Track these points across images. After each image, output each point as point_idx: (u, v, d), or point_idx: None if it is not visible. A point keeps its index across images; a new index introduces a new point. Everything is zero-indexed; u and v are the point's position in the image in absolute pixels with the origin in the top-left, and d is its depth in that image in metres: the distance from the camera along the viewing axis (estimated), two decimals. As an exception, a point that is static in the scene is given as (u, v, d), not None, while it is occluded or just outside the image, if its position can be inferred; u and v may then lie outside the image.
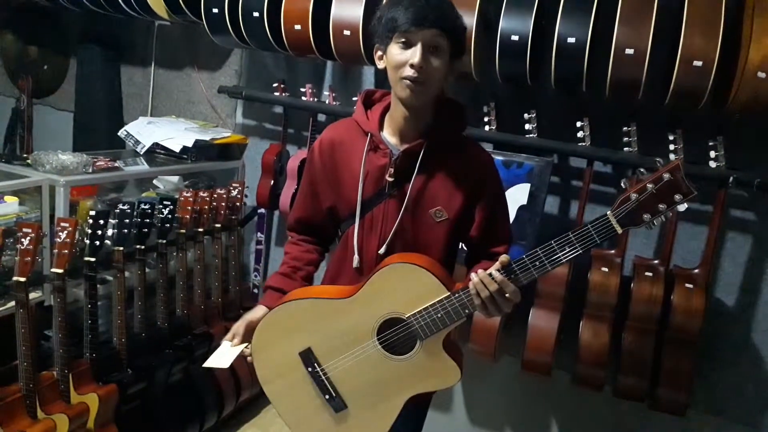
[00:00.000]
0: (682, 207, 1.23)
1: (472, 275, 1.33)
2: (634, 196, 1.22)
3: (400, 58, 1.36)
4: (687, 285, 2.19)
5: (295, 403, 1.51)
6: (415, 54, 1.34)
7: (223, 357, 1.53)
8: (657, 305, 2.19)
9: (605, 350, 2.24)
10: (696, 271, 2.24)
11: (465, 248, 1.60)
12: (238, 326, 1.56)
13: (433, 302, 1.36)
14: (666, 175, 1.21)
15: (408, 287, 1.39)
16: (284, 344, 1.49)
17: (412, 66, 1.34)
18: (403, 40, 1.35)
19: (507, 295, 1.31)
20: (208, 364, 1.53)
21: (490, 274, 1.31)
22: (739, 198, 2.28)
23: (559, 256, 1.27)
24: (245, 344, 1.54)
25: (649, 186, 1.21)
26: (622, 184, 1.28)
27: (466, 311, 1.35)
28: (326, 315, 1.46)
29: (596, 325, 2.27)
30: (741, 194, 2.26)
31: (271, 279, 1.63)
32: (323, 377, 1.46)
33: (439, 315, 1.36)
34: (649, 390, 2.25)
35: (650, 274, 2.23)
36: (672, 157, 2.19)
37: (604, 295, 2.24)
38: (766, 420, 2.38)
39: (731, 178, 2.12)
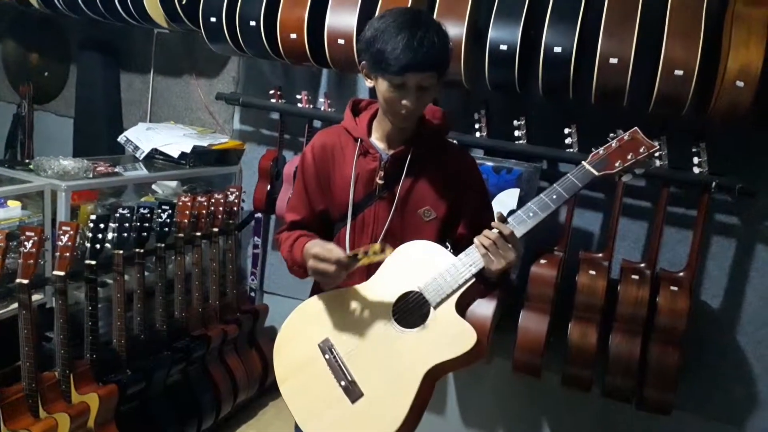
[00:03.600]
0: (651, 160, 1.42)
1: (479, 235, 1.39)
2: (602, 150, 1.42)
3: (393, 96, 1.40)
4: (672, 287, 2.25)
5: (311, 398, 1.47)
6: (407, 97, 1.39)
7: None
8: (643, 307, 2.25)
9: (593, 351, 2.30)
10: (681, 274, 2.30)
11: (451, 248, 1.66)
12: (333, 248, 1.40)
13: (441, 268, 1.42)
14: (626, 136, 1.41)
15: (417, 260, 1.45)
16: (304, 339, 1.50)
17: (406, 108, 1.40)
18: (396, 83, 1.38)
19: (508, 242, 1.36)
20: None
21: (490, 226, 1.38)
22: (722, 203, 2.34)
23: (550, 204, 1.38)
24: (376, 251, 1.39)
25: (614, 144, 1.42)
26: (593, 149, 1.44)
27: (473, 268, 1.39)
28: (343, 303, 1.49)
29: (584, 327, 2.32)
30: (724, 199, 2.32)
31: (299, 233, 1.56)
32: (340, 363, 1.45)
33: (447, 278, 1.40)
34: (636, 390, 2.31)
35: (637, 276, 2.29)
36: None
37: (592, 297, 2.30)
38: (752, 420, 2.44)
39: (713, 183, 2.18)
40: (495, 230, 1.37)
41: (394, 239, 1.53)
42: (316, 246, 1.44)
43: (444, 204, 1.54)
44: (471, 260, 1.40)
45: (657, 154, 1.38)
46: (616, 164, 1.39)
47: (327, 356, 1.46)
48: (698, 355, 2.44)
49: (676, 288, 2.24)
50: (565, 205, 1.47)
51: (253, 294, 3.22)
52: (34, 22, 3.66)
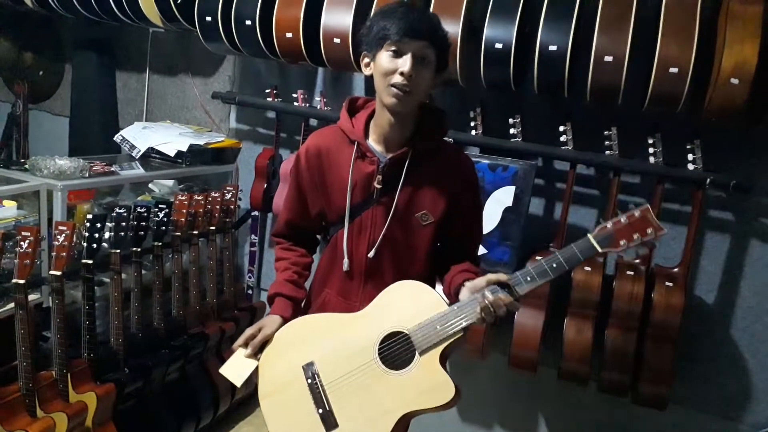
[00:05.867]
0: (656, 242, 1.39)
1: (485, 294, 1.40)
2: (610, 224, 1.39)
3: (390, 65, 1.41)
4: (667, 283, 2.26)
5: (288, 420, 1.50)
6: (405, 63, 1.39)
7: (237, 370, 1.54)
8: (638, 303, 2.26)
9: (589, 346, 2.31)
10: (676, 269, 2.31)
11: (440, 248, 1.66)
12: (256, 341, 1.54)
13: (433, 315, 1.42)
14: (637, 213, 1.39)
15: (411, 302, 1.46)
16: (289, 358, 1.52)
17: (401, 74, 1.39)
18: (394, 49, 1.40)
19: (509, 311, 1.39)
20: (223, 371, 1.56)
21: (498, 297, 1.38)
22: (717, 199, 2.35)
23: (549, 273, 1.39)
24: (257, 362, 1.54)
25: (623, 219, 1.39)
26: (601, 221, 1.43)
27: (463, 322, 1.40)
28: (332, 330, 1.51)
29: (580, 323, 2.34)
30: (719, 195, 2.34)
31: (278, 286, 1.63)
32: (320, 389, 1.47)
33: (437, 327, 1.41)
34: (631, 385, 2.32)
35: (632, 272, 2.30)
36: (651, 160, 2.27)
37: (588, 293, 2.31)
38: (746, 414, 2.46)
39: (708, 180, 2.19)
40: (500, 297, 1.37)
41: (392, 243, 1.54)
42: (256, 325, 1.57)
43: (441, 208, 1.54)
44: (464, 314, 1.41)
45: (661, 235, 1.36)
46: (621, 243, 1.38)
47: (309, 380, 1.49)
48: (693, 349, 2.46)
49: (670, 284, 2.26)
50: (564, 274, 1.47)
51: (250, 292, 3.23)
52: (28, 21, 3.65)
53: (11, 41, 3.82)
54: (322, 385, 1.48)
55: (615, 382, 2.32)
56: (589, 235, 1.39)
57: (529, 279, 1.40)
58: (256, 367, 1.55)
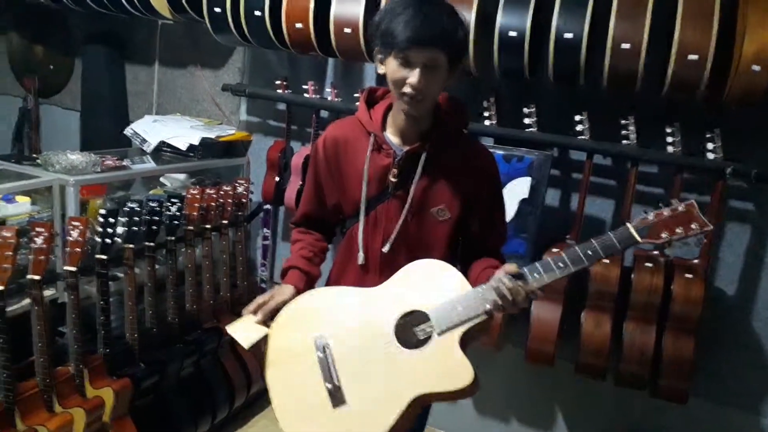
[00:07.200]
0: (702, 237, 1.33)
1: (500, 278, 1.33)
2: (651, 216, 1.33)
3: (399, 75, 1.37)
4: (687, 275, 2.22)
5: (294, 393, 1.45)
6: (413, 75, 1.35)
7: (245, 333, 1.49)
8: (657, 295, 2.22)
9: (607, 340, 2.28)
10: (695, 261, 2.27)
11: (461, 246, 1.63)
12: (268, 307, 1.50)
13: (455, 296, 1.37)
14: (681, 207, 1.32)
15: (433, 281, 1.41)
16: (301, 329, 1.48)
17: (410, 85, 1.36)
18: (402, 58, 1.35)
19: (529, 297, 1.34)
20: (230, 329, 1.52)
21: (517, 284, 1.32)
22: (737, 189, 2.30)
23: (583, 260, 1.33)
24: (268, 329, 1.50)
25: (665, 212, 1.33)
26: (644, 212, 1.37)
27: (487, 305, 1.34)
28: (348, 303, 1.47)
29: (598, 316, 2.31)
30: (739, 185, 2.28)
31: (293, 260, 1.60)
32: (330, 365, 1.43)
33: (459, 308, 1.36)
34: (650, 378, 2.29)
35: (650, 264, 2.26)
36: (670, 149, 2.22)
37: (606, 285, 2.28)
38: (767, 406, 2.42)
39: (728, 170, 2.14)
40: (519, 284, 1.31)
41: (408, 237, 1.51)
42: (268, 292, 1.54)
43: (459, 204, 1.51)
44: (488, 296, 1.34)
45: (707, 230, 1.30)
46: (663, 234, 1.31)
47: (320, 354, 1.44)
48: (713, 341, 2.42)
49: (690, 275, 2.22)
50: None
51: (263, 285, 3.22)
52: (38, 15, 3.64)
53: (21, 35, 3.82)
54: (332, 360, 1.43)
55: (633, 376, 2.29)
56: (628, 224, 1.33)
57: (561, 265, 1.33)
58: (265, 337, 1.50)
